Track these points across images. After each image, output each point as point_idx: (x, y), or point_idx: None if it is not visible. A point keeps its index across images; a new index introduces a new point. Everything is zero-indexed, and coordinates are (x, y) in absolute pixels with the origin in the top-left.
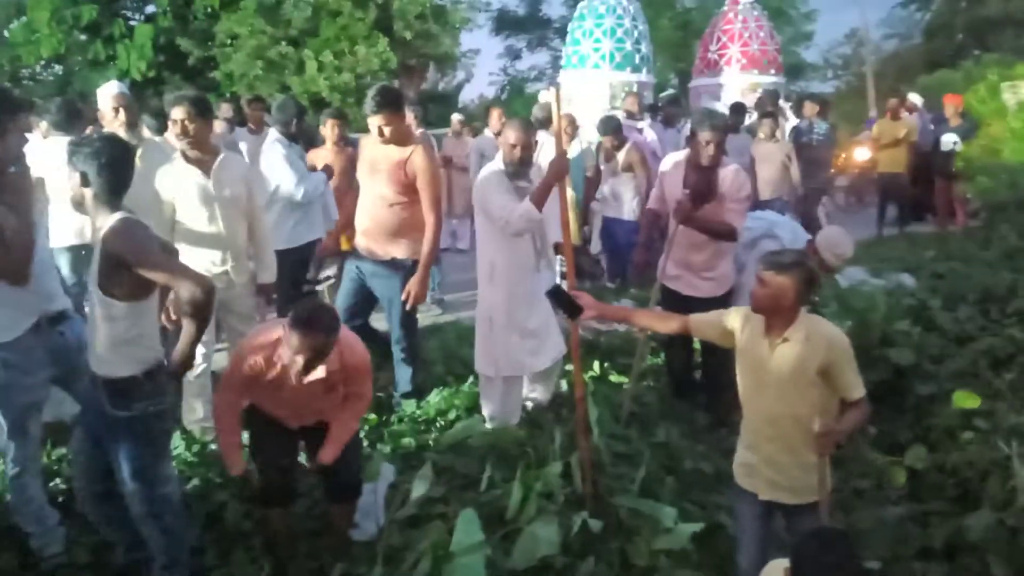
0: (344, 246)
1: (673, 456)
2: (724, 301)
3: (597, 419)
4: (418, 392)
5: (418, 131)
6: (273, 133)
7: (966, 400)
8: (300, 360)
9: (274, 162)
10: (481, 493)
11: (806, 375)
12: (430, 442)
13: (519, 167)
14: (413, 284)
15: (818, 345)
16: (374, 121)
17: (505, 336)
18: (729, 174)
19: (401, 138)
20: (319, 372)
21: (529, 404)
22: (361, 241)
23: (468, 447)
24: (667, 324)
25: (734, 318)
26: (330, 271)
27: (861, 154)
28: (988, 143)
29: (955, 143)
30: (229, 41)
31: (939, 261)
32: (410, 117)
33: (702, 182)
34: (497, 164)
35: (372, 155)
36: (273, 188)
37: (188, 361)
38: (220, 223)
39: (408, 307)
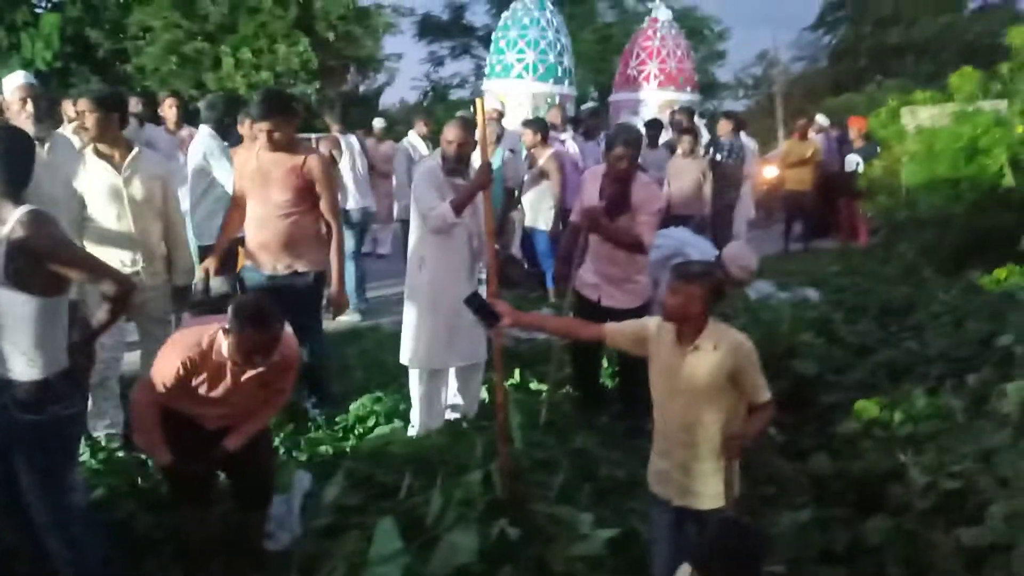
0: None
1: (590, 463)
2: (639, 313)
3: (518, 426)
4: (332, 403)
5: (343, 135)
6: (205, 129)
7: (867, 409)
8: (245, 356)
9: (212, 153)
10: (400, 501)
11: (716, 381)
12: (347, 449)
13: (456, 164)
14: (333, 294)
15: (727, 351)
16: (262, 127)
17: (427, 328)
18: (642, 188)
19: (291, 144)
20: (258, 367)
21: (452, 414)
22: (259, 255)
23: (388, 455)
24: (582, 332)
25: (647, 327)
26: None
27: (769, 172)
28: (888, 164)
29: (858, 164)
30: (142, 34)
31: (842, 276)
32: (333, 122)
33: (616, 194)
34: (435, 158)
35: (261, 164)
36: (208, 181)
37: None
38: (130, 221)
39: (333, 317)
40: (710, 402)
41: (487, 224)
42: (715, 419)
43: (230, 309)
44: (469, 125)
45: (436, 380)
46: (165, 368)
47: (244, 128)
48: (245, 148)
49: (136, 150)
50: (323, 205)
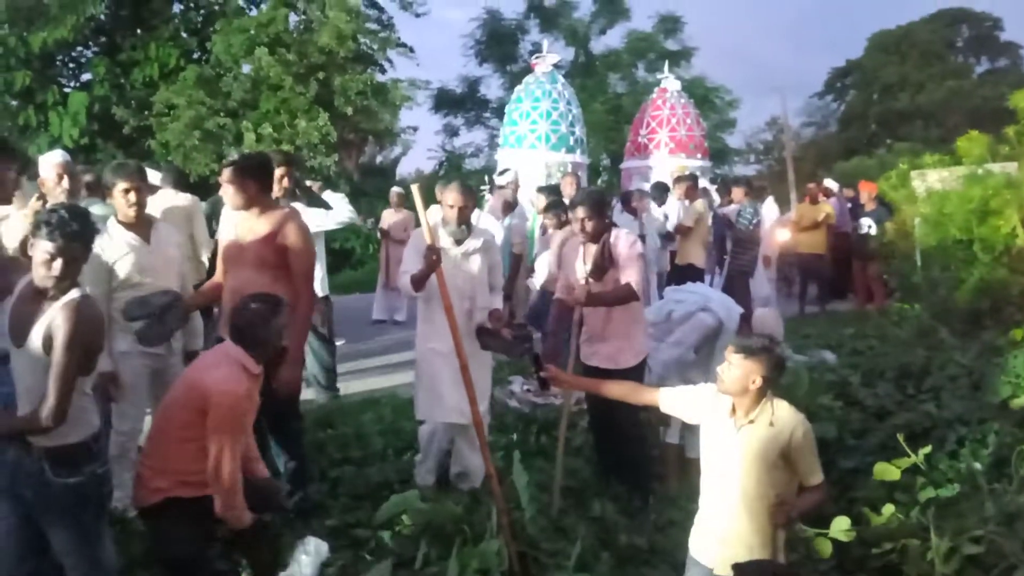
0: None
1: (608, 530)
2: (640, 369)
3: (529, 494)
4: (300, 484)
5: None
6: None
7: (886, 472)
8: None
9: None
10: (416, 571)
11: (769, 458)
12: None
13: (456, 227)
14: (285, 370)
15: (783, 430)
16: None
17: (419, 382)
18: (619, 239)
19: (265, 208)
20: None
21: (461, 480)
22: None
23: (402, 523)
24: (639, 396)
25: (703, 395)
26: None
27: (783, 236)
28: (900, 227)
29: (870, 226)
30: (167, 111)
31: (858, 339)
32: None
33: (597, 256)
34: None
35: (237, 231)
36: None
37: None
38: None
39: (281, 395)
40: (760, 478)
41: (444, 300)
42: (764, 494)
43: None
44: (468, 189)
45: (430, 435)
46: (235, 414)
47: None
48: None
49: (158, 220)
50: (295, 271)
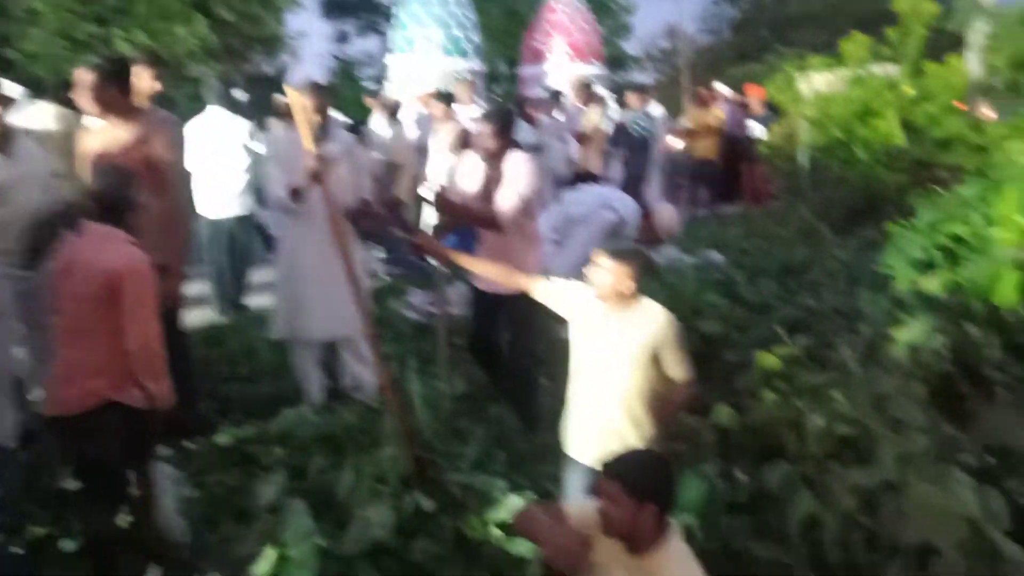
0: None
1: (504, 432)
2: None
3: (423, 400)
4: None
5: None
6: None
7: (767, 362)
8: None
9: None
10: (311, 483)
11: (641, 356)
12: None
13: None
14: (165, 282)
15: (654, 329)
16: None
17: (283, 299)
18: (512, 164)
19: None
20: None
21: (355, 391)
22: None
23: (295, 437)
24: (513, 280)
25: (578, 293)
26: None
27: (675, 141)
28: (786, 130)
29: (758, 130)
30: (27, 17)
31: (745, 239)
32: None
33: (488, 172)
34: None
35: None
36: None
37: None
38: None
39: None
40: (634, 375)
41: (329, 207)
42: (638, 391)
43: None
44: (320, 89)
45: (304, 352)
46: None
47: None
48: None
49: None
50: (162, 182)
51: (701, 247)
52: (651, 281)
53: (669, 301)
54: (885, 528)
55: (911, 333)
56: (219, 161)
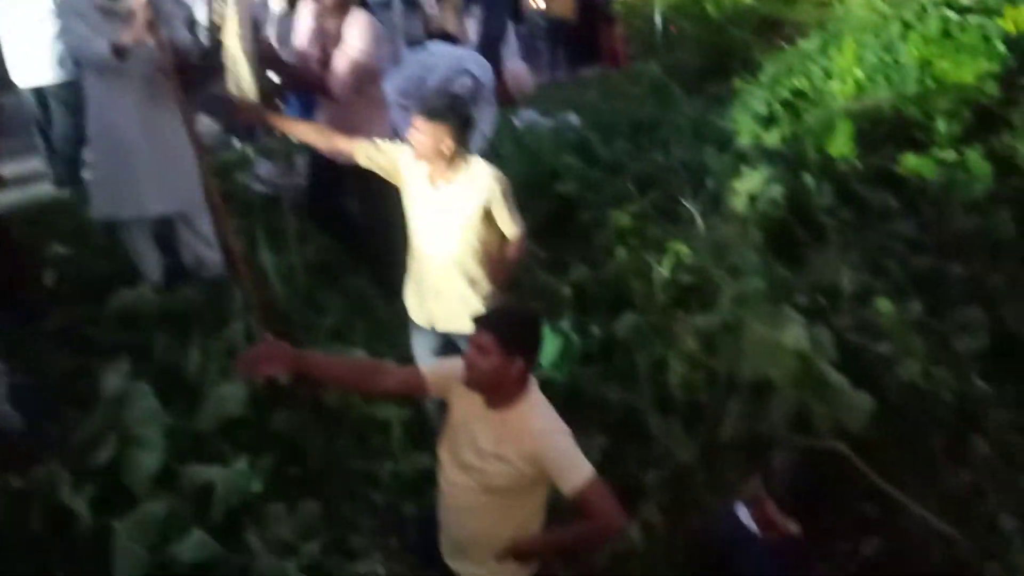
0: None
1: (363, 302)
2: None
3: (276, 272)
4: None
5: None
6: None
7: (619, 219)
8: None
9: None
10: (157, 365)
11: (472, 217)
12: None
13: None
14: None
15: (482, 187)
16: None
17: (100, 171)
18: (351, 23)
19: None
20: None
21: (200, 269)
22: None
23: (136, 318)
24: (334, 143)
25: (402, 157)
26: None
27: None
28: None
29: None
30: None
31: (601, 100)
32: None
33: (326, 29)
34: None
35: None
36: None
37: None
38: None
39: None
40: (466, 237)
41: (163, 61)
42: (470, 250)
43: None
44: None
45: (135, 230)
46: None
47: None
48: None
49: None
50: None
51: (559, 109)
52: (509, 144)
53: (527, 164)
54: (725, 367)
55: (750, 183)
56: (29, 24)
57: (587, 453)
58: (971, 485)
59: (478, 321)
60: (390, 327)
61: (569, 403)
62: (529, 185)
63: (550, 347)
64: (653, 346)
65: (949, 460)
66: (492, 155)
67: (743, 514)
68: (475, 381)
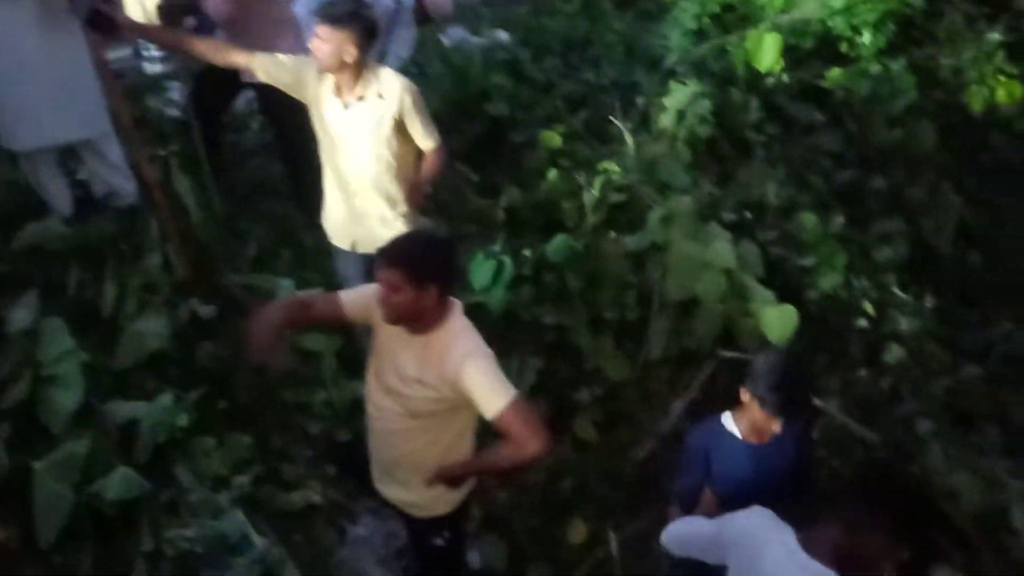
0: None
1: (288, 229)
2: None
3: (195, 199)
4: None
5: None
6: None
7: (550, 140)
8: None
9: None
10: (71, 299)
11: (385, 131)
12: None
13: None
14: None
15: (392, 99)
16: None
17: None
18: None
19: None
20: None
21: (113, 200)
22: None
23: (44, 251)
24: (227, 56)
25: (306, 71)
26: None
27: None
28: None
29: None
30: None
31: (531, 16)
32: None
33: None
34: None
35: None
36: None
37: None
38: None
39: None
40: (380, 153)
41: None
42: (387, 167)
43: None
44: None
45: (36, 161)
46: None
47: None
48: None
49: None
50: None
51: (488, 27)
52: (437, 63)
53: (456, 84)
54: (653, 285)
55: (679, 99)
56: None
57: (522, 374)
58: (889, 391)
59: (383, 258)
60: (318, 254)
61: (503, 326)
62: (458, 106)
63: (483, 272)
64: (585, 267)
65: (868, 367)
66: (419, 75)
67: (728, 420)
68: (392, 316)
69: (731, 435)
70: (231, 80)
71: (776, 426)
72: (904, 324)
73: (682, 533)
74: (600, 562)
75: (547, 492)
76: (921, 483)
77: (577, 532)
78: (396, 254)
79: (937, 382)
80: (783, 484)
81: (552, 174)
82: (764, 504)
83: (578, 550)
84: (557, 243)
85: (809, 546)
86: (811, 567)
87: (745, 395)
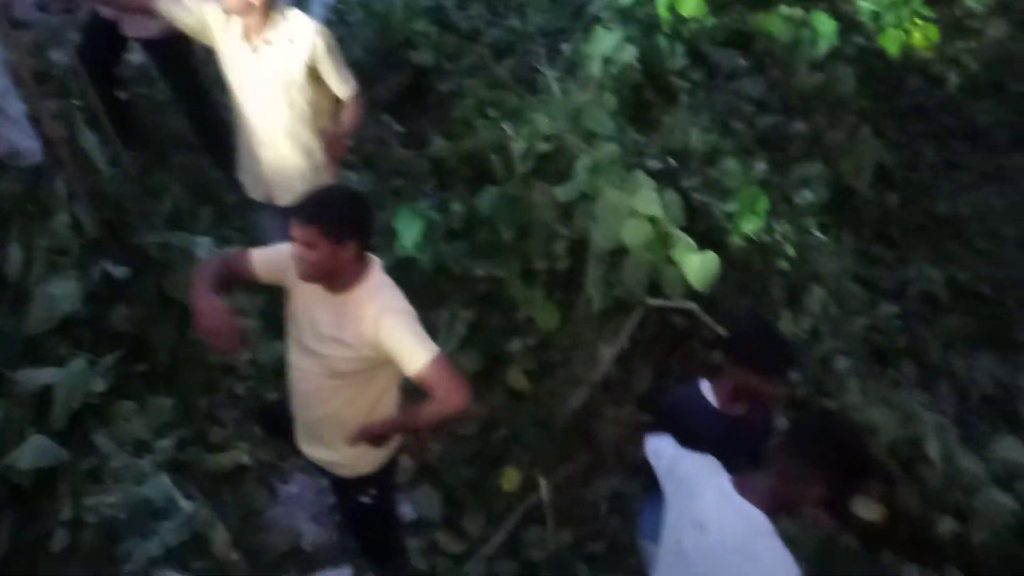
0: None
1: (208, 185)
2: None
3: (102, 155)
4: None
5: None
6: None
7: (478, 89)
8: None
9: None
10: None
11: (297, 78)
12: None
13: None
14: None
15: (303, 44)
16: None
17: None
18: None
19: None
20: None
21: (13, 160)
22: None
23: None
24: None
25: (211, 14)
26: None
27: None
28: None
29: None
30: None
31: None
32: None
33: None
34: None
35: None
36: None
37: None
38: None
39: None
40: (294, 101)
41: None
42: (299, 116)
43: None
44: None
45: None
46: None
47: None
48: None
49: None
50: None
51: None
52: (356, 10)
53: (379, 32)
54: (582, 235)
55: (605, 46)
56: None
57: (452, 327)
58: (809, 331)
59: (298, 213)
60: (239, 211)
61: (436, 280)
62: (381, 55)
63: (412, 229)
64: (515, 218)
65: (789, 308)
66: (339, 23)
67: (705, 388)
68: (308, 274)
69: (708, 404)
70: (114, 32)
71: (768, 389)
72: (824, 266)
73: (655, 449)
74: (533, 508)
75: (481, 442)
76: (847, 423)
77: (510, 480)
78: (311, 209)
79: (856, 321)
80: (756, 452)
81: (479, 124)
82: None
83: (511, 498)
84: (487, 195)
85: (742, 488)
86: (741, 507)
87: (729, 365)
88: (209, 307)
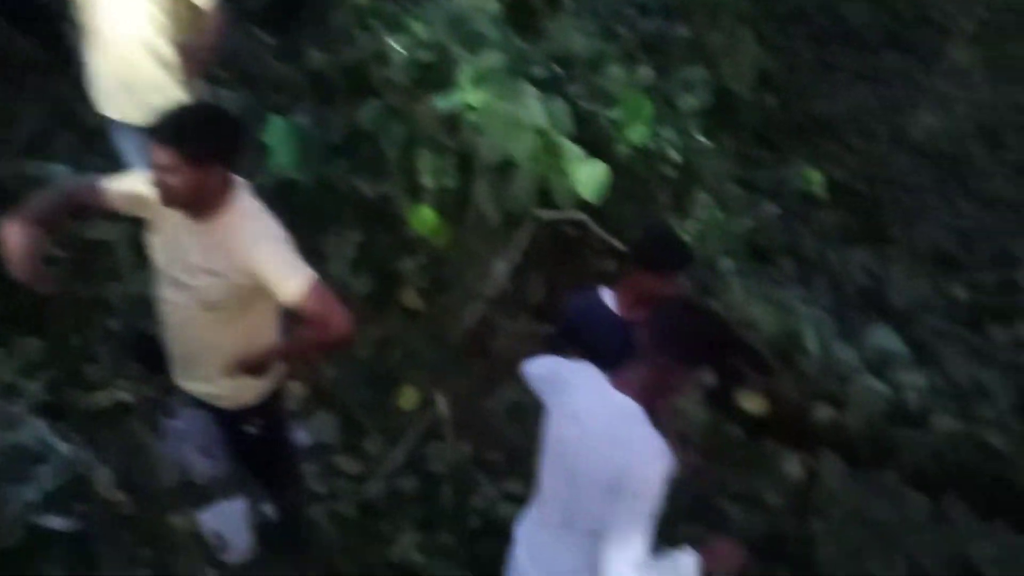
0: None
1: (68, 109)
2: None
3: None
4: None
5: None
6: None
7: None
8: None
9: None
10: None
11: None
12: None
13: None
14: None
15: None
16: None
17: None
18: None
19: None
20: None
21: None
22: None
23: None
24: None
25: None
26: None
27: None
28: None
29: None
30: None
31: None
32: None
33: None
34: None
35: None
36: None
37: None
38: None
39: None
40: (147, 7)
41: None
42: (157, 25)
43: None
44: None
45: None
46: None
47: None
48: None
49: None
50: None
51: None
52: None
53: None
54: (469, 148)
55: None
56: None
57: (340, 248)
58: (695, 234)
59: (155, 134)
60: (102, 134)
61: (319, 202)
62: None
63: (286, 144)
64: (398, 132)
65: (675, 213)
66: None
67: (606, 296)
68: (169, 200)
69: (611, 312)
70: None
71: (669, 290)
72: (707, 170)
73: (532, 368)
74: (432, 424)
75: (376, 363)
76: (701, 307)
77: (408, 398)
78: (170, 130)
79: (738, 222)
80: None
81: (359, 34)
82: None
83: (410, 416)
84: (369, 109)
85: (618, 383)
86: (616, 400)
87: (634, 270)
88: (11, 239)
